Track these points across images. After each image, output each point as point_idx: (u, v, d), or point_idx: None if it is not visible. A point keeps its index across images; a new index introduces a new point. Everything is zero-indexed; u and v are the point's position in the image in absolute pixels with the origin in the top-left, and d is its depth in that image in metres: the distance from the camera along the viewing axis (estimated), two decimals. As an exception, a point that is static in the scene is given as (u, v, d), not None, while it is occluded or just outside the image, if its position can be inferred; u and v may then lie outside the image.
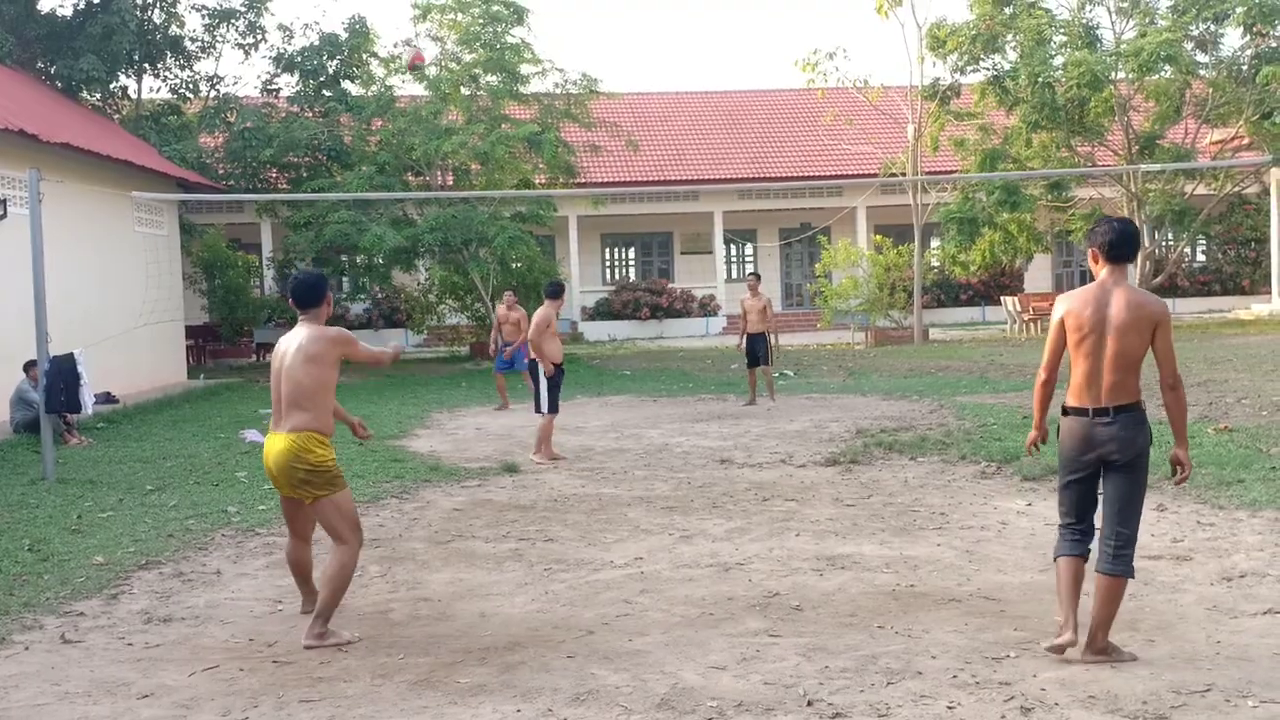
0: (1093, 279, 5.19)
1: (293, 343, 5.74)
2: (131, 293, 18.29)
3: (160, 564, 7.38)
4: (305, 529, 5.99)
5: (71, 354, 12.29)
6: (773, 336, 15.93)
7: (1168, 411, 5.14)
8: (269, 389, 5.90)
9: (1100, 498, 5.14)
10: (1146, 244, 27.18)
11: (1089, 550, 5.11)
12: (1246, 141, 26.71)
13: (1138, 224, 26.51)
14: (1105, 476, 5.07)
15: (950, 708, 4.52)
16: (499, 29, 25.44)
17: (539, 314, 11.53)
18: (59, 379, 11.60)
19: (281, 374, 5.70)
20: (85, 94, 25.34)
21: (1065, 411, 5.12)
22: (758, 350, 15.77)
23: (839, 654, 5.21)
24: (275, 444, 5.68)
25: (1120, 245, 5.08)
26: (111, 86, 26.38)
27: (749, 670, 5.04)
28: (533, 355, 11.54)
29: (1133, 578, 5.05)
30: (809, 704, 4.60)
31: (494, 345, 17.23)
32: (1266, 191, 29.88)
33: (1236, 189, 28.82)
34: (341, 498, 5.73)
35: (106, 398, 16.11)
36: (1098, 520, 5.13)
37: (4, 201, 15.20)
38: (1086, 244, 5.26)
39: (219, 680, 5.15)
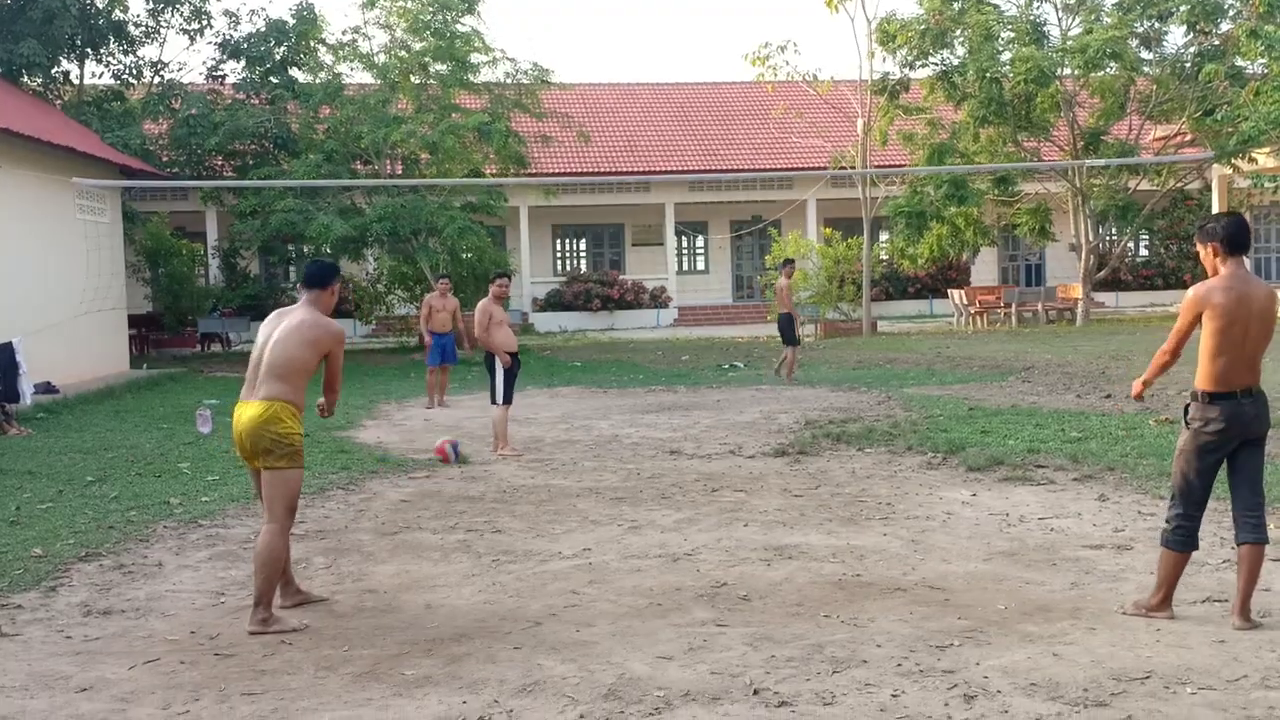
0: (1206, 273, 5.47)
1: (293, 319, 5.80)
2: (72, 281, 17.98)
3: (100, 556, 7.26)
4: None
5: (10, 343, 12.07)
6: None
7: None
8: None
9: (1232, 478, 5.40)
10: (1090, 238, 27.52)
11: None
12: (1189, 138, 27.13)
13: (1082, 219, 27.02)
14: (1238, 455, 5.35)
15: (895, 696, 4.55)
16: (449, 17, 25.24)
17: (478, 307, 11.28)
18: (-3, 368, 11.39)
19: (268, 344, 5.74)
20: (26, 79, 24.86)
21: (1209, 399, 5.31)
22: (793, 328, 17.52)
23: (785, 643, 5.23)
24: (247, 410, 5.72)
25: (1240, 235, 5.33)
26: (53, 71, 25.91)
27: (696, 660, 5.05)
28: (470, 347, 11.31)
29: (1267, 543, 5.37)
30: (755, 693, 4.62)
31: (422, 337, 16.13)
32: (1208, 187, 30.37)
33: (1179, 185, 29.26)
34: (293, 475, 5.76)
35: (46, 387, 15.83)
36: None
37: (-60, 187, 14.89)
38: (1200, 240, 5.47)
39: (159, 673, 5.08)
